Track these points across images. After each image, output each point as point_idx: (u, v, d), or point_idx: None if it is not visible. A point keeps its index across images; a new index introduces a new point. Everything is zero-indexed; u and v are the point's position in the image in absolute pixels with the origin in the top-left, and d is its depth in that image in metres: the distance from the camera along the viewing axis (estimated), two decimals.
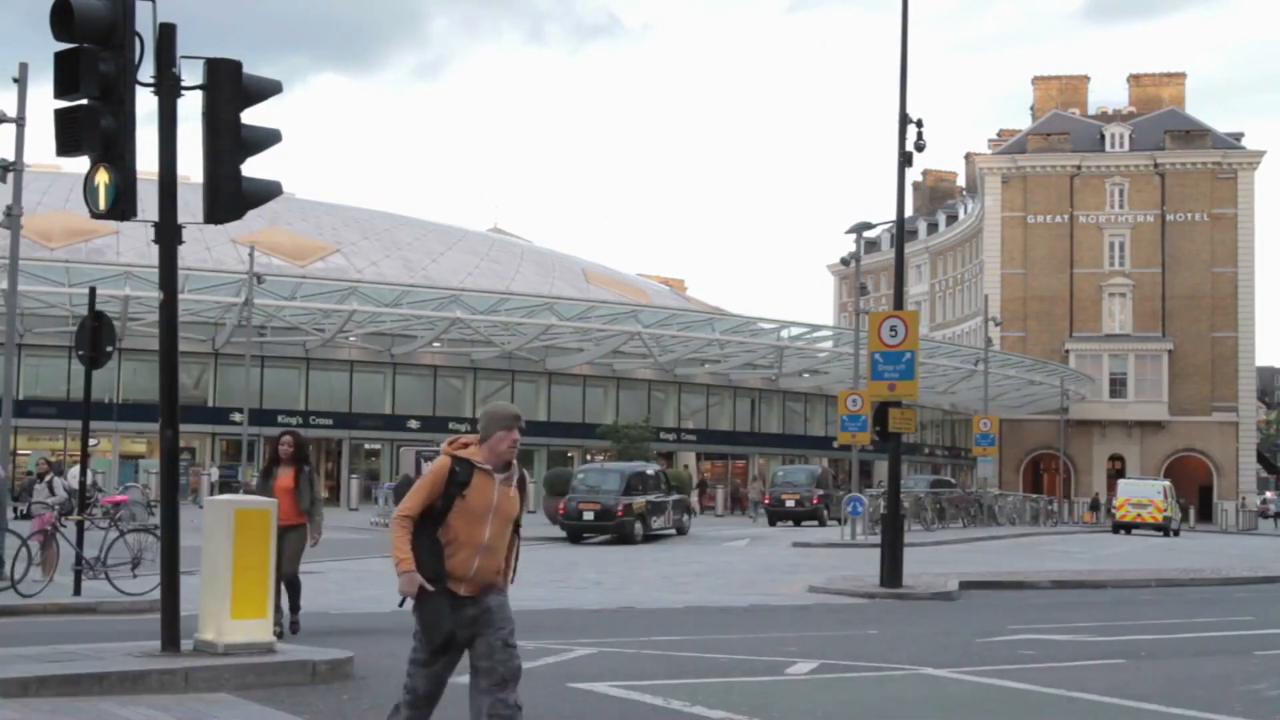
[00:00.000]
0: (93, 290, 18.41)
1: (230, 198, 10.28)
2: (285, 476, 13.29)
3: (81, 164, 10.11)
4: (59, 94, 9.89)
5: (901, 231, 22.61)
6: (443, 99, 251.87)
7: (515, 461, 6.65)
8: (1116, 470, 79.80)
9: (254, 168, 10.42)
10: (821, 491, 46.16)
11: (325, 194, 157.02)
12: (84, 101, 9.85)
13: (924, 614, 17.62)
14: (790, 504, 45.83)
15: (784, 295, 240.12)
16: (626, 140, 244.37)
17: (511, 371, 61.09)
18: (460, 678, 6.71)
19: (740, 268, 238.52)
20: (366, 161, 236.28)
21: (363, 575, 21.98)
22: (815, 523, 44.39)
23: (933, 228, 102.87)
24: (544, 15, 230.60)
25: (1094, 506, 70.14)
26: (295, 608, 13.33)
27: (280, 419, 55.53)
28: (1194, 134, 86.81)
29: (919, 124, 21.78)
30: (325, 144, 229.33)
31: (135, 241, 53.93)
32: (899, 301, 22.94)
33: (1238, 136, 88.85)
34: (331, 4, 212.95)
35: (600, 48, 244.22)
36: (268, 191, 10.59)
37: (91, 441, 18.47)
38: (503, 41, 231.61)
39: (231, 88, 10.18)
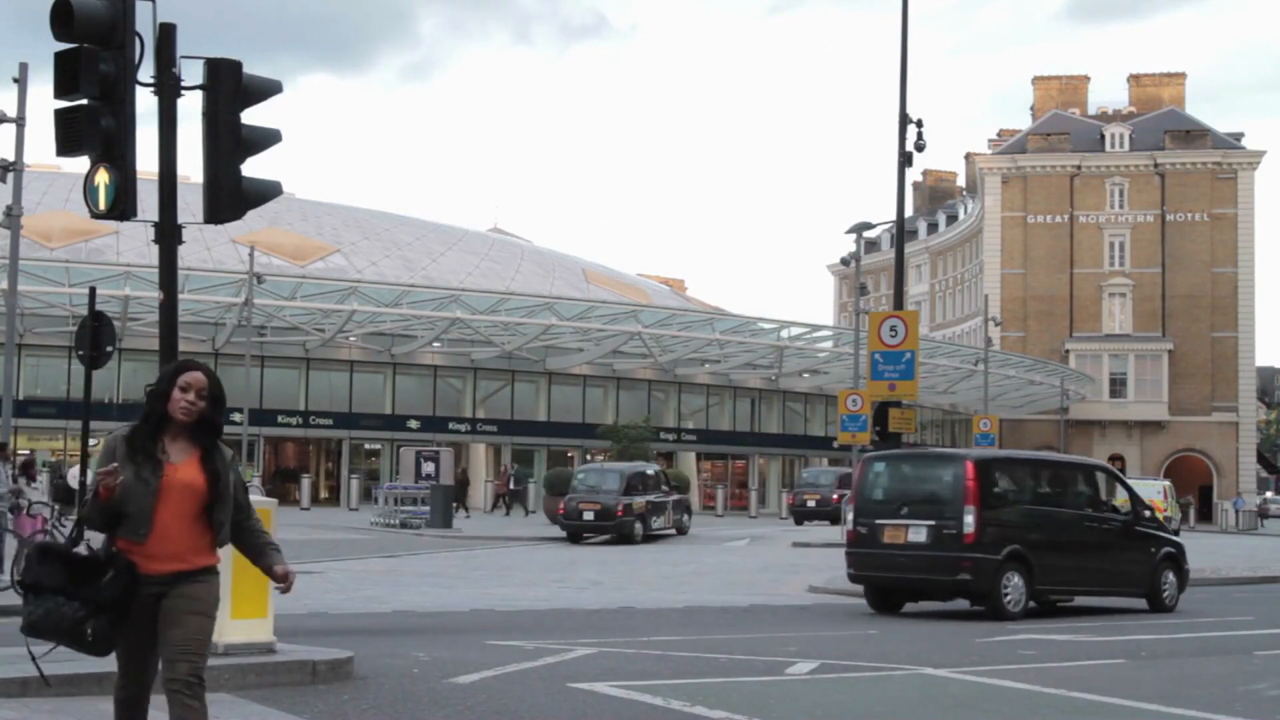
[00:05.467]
0: (93, 290, 18.46)
1: (230, 198, 10.27)
2: (186, 463, 5.83)
3: (81, 164, 10.09)
4: (59, 94, 9.87)
5: (901, 231, 22.64)
6: (433, 99, 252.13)
7: None
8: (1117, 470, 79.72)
9: (254, 168, 10.43)
10: (844, 492, 46.81)
11: (325, 194, 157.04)
12: (84, 101, 9.83)
13: (924, 614, 17.61)
14: (812, 504, 47.57)
15: (784, 295, 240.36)
16: (625, 140, 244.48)
17: (511, 371, 61.12)
18: None
19: (740, 268, 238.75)
20: (359, 161, 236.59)
21: (362, 575, 21.99)
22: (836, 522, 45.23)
23: (933, 228, 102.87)
24: (531, 16, 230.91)
25: None
26: None
27: (280, 419, 55.62)
28: (1194, 134, 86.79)
29: (919, 124, 21.83)
30: (317, 144, 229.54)
31: (135, 241, 53.96)
32: (899, 301, 22.98)
33: (1238, 136, 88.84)
34: (320, 4, 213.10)
35: (589, 48, 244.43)
36: (268, 191, 10.57)
37: (91, 441, 18.46)
38: (490, 42, 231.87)
39: (232, 88, 10.16)
